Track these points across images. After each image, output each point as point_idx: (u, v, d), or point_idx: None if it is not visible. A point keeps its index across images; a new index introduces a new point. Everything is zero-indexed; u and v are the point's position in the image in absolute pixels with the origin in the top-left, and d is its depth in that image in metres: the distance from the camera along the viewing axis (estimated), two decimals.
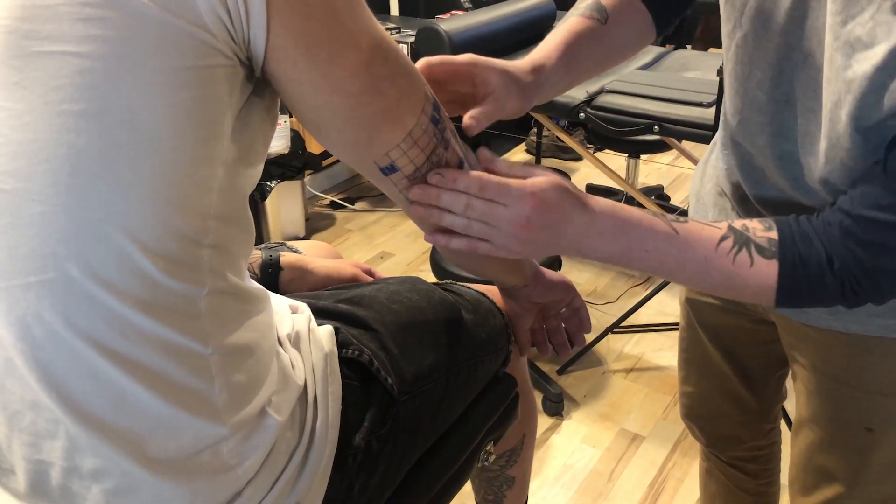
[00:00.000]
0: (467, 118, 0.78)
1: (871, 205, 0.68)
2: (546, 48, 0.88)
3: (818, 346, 0.90)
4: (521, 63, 0.85)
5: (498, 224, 0.70)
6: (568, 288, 0.99)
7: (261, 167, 0.65)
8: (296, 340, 0.74)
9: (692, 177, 1.07)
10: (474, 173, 0.70)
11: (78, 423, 0.56)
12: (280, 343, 0.72)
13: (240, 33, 0.55)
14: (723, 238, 0.73)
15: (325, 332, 0.77)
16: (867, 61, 0.64)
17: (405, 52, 0.67)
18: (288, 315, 0.76)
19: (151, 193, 0.54)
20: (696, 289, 0.76)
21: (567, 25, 0.90)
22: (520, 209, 0.70)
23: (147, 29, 0.51)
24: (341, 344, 0.77)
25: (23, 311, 0.54)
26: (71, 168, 0.52)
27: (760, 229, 0.74)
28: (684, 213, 0.92)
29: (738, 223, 0.74)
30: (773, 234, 0.73)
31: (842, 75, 0.67)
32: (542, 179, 0.71)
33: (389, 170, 0.67)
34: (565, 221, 0.71)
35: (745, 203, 0.91)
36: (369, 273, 1.05)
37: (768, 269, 0.72)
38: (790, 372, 1.00)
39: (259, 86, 0.61)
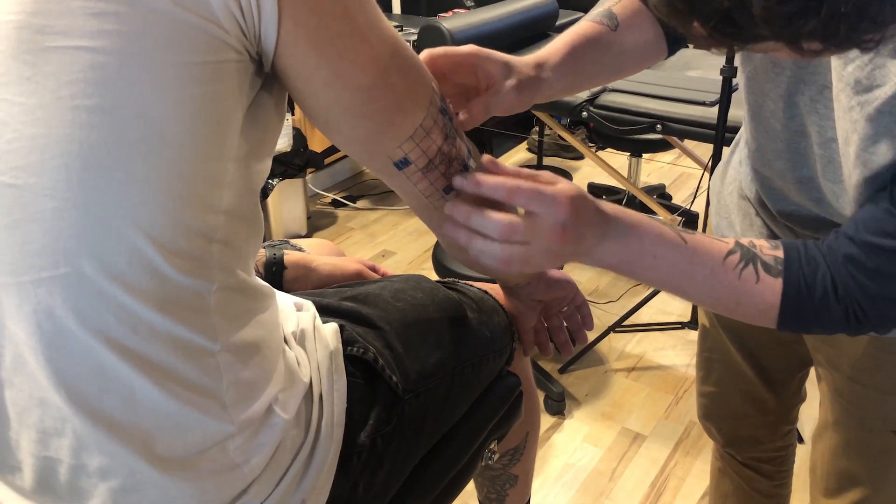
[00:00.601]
0: (462, 112, 0.77)
1: (877, 231, 0.66)
2: (552, 47, 0.87)
3: (844, 349, 0.89)
4: (525, 58, 0.84)
5: (533, 238, 0.67)
6: (570, 285, 0.99)
7: (269, 162, 0.65)
8: (301, 338, 0.74)
9: (713, 176, 1.06)
10: (502, 178, 0.68)
11: (85, 420, 0.56)
12: (285, 341, 0.72)
13: (251, 28, 0.55)
14: (730, 252, 0.72)
15: (331, 329, 0.77)
16: (869, 105, 0.65)
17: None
18: (293, 313, 0.76)
19: (163, 188, 0.54)
20: (703, 306, 0.75)
21: (576, 28, 0.89)
22: (555, 216, 0.66)
23: (160, 24, 0.51)
24: (346, 342, 0.77)
25: (34, 306, 0.54)
26: (83, 163, 0.52)
27: (767, 247, 0.72)
28: (686, 212, 0.90)
29: (746, 240, 0.73)
30: (780, 254, 0.72)
31: (848, 115, 0.68)
32: (568, 184, 0.69)
33: (403, 164, 0.67)
34: (588, 226, 0.70)
35: (769, 211, 0.90)
36: (373, 269, 1.05)
37: (773, 288, 0.71)
38: (815, 374, 0.99)
39: (268, 81, 0.61)
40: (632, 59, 0.92)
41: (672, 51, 0.93)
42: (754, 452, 1.18)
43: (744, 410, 1.14)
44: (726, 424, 1.18)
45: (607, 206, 0.72)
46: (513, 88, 0.80)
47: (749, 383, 1.10)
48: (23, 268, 0.54)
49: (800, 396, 1.15)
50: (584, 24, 0.89)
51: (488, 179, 0.68)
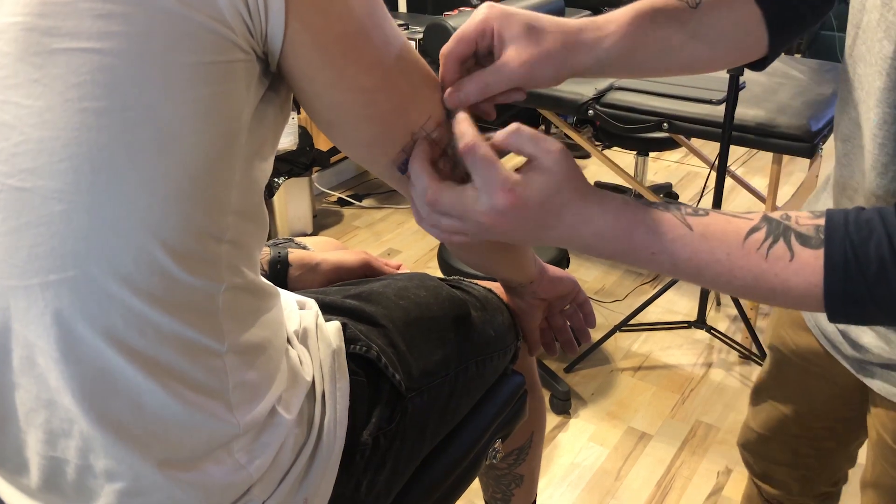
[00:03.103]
0: (451, 89, 0.65)
1: None
2: (612, 13, 0.71)
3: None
4: (565, 20, 0.69)
5: (466, 216, 0.60)
6: (572, 282, 0.98)
7: (272, 160, 0.65)
8: (303, 337, 0.74)
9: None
10: (425, 183, 0.61)
11: (92, 423, 0.56)
12: (288, 340, 0.71)
13: (258, 28, 0.55)
14: (752, 230, 0.59)
15: (333, 327, 0.77)
16: None
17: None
18: (296, 311, 0.76)
19: (173, 190, 0.53)
20: (730, 295, 0.63)
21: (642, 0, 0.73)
22: (491, 200, 0.59)
23: (168, 24, 0.51)
24: (349, 340, 0.77)
25: (42, 309, 0.54)
26: (92, 165, 0.52)
27: (806, 217, 0.59)
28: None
29: (777, 213, 0.60)
30: (821, 221, 0.58)
31: None
32: (532, 176, 0.60)
33: (406, 166, 0.67)
34: (555, 219, 0.61)
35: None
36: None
37: (816, 263, 0.56)
38: (868, 437, 0.91)
39: (275, 81, 0.60)
40: (711, 46, 0.74)
41: (774, 45, 0.76)
42: (784, 497, 1.11)
43: (782, 458, 1.06)
44: (760, 462, 1.11)
45: (601, 197, 0.62)
46: (525, 62, 0.65)
47: (794, 437, 1.02)
48: (31, 271, 0.54)
49: (849, 464, 1.06)
50: None
51: (418, 180, 0.62)
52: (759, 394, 1.07)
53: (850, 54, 0.71)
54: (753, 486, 1.17)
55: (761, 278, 0.58)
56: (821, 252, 0.56)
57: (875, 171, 0.69)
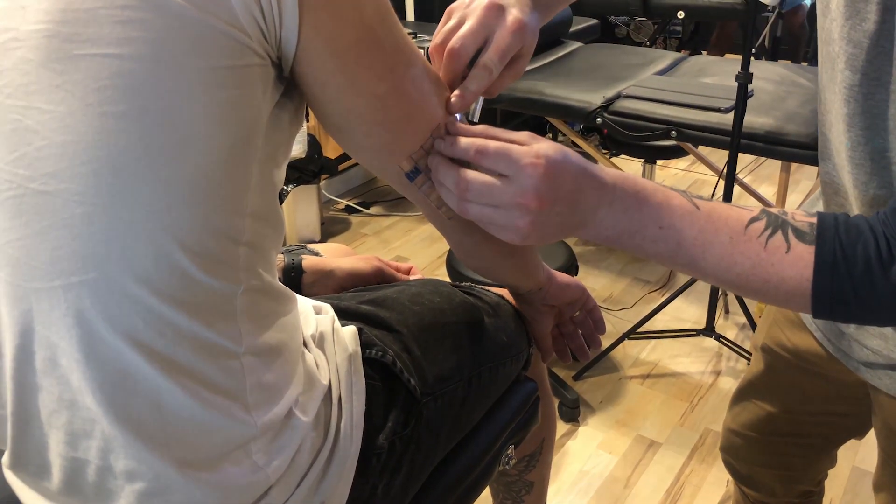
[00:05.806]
0: (453, 96, 0.68)
1: None
2: None
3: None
4: None
5: (500, 201, 0.61)
6: (580, 288, 0.99)
7: (286, 164, 0.66)
8: (320, 341, 0.75)
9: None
10: (470, 138, 0.62)
11: (113, 423, 0.57)
12: (305, 344, 0.72)
13: (272, 33, 0.56)
14: (754, 219, 0.62)
15: (349, 332, 0.77)
16: None
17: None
18: (312, 316, 0.77)
19: (191, 192, 0.54)
20: (724, 286, 0.65)
21: None
22: (526, 180, 0.59)
23: (185, 29, 0.52)
24: (365, 344, 0.78)
25: (64, 311, 0.55)
26: (112, 169, 0.53)
27: (801, 214, 0.63)
28: None
29: (774, 208, 0.64)
30: (814, 220, 0.62)
31: None
32: (550, 143, 0.61)
33: (414, 173, 0.67)
34: (578, 191, 0.61)
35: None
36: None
37: (809, 257, 0.59)
38: (876, 435, 0.91)
39: (289, 87, 0.61)
40: None
41: None
42: (768, 499, 1.12)
43: (767, 459, 1.08)
44: (744, 466, 1.12)
45: (606, 170, 0.64)
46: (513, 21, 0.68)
47: (780, 436, 1.03)
48: (53, 273, 0.54)
49: (830, 463, 1.08)
50: None
51: (460, 139, 0.63)
52: (744, 395, 1.07)
53: (819, 81, 0.76)
54: (740, 492, 1.18)
55: (758, 266, 0.61)
56: (814, 248, 0.60)
57: (857, 189, 0.72)
